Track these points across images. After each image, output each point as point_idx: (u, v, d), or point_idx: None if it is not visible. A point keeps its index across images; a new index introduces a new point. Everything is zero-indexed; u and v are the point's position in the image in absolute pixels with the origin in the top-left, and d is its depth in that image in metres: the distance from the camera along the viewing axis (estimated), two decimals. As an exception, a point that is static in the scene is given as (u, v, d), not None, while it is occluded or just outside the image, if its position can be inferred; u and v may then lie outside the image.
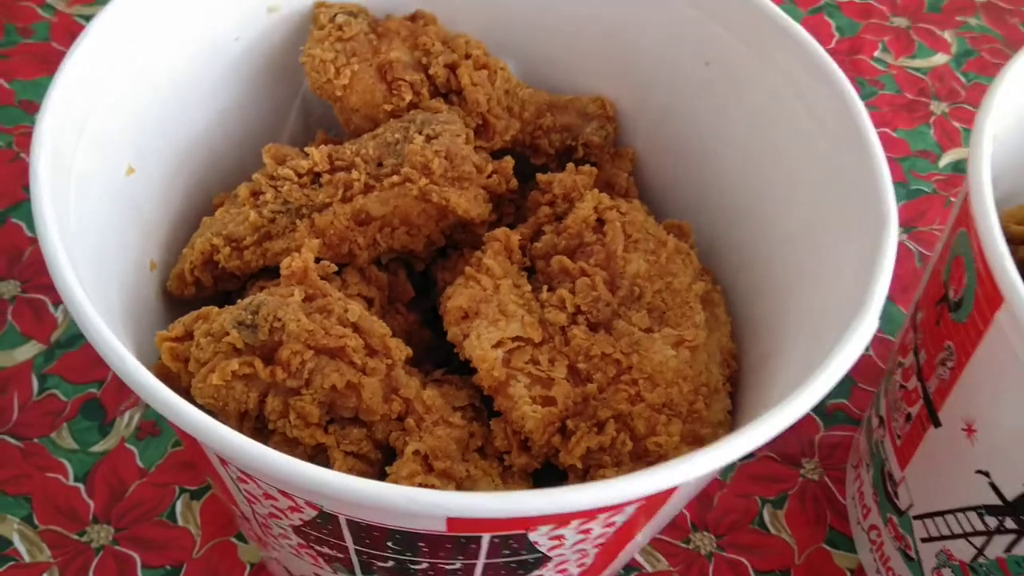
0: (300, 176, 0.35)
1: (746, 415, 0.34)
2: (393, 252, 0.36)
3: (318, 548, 0.30)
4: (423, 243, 0.36)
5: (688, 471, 0.25)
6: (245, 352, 0.30)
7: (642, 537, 0.34)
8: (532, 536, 0.27)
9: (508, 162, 0.37)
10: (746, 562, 0.43)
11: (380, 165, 0.35)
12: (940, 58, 0.63)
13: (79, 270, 0.28)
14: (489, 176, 0.36)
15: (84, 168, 0.32)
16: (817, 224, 0.35)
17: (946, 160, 0.58)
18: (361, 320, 0.32)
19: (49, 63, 0.56)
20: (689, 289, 0.35)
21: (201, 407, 0.26)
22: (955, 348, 0.33)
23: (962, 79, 0.62)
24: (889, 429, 0.39)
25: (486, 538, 0.27)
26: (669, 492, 0.27)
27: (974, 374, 0.32)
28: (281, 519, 0.29)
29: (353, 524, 0.27)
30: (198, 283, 0.36)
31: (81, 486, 0.42)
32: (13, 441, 0.43)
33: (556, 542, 0.28)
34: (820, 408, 0.48)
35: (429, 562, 0.29)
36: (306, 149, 0.36)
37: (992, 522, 0.33)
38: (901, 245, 0.54)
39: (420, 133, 0.35)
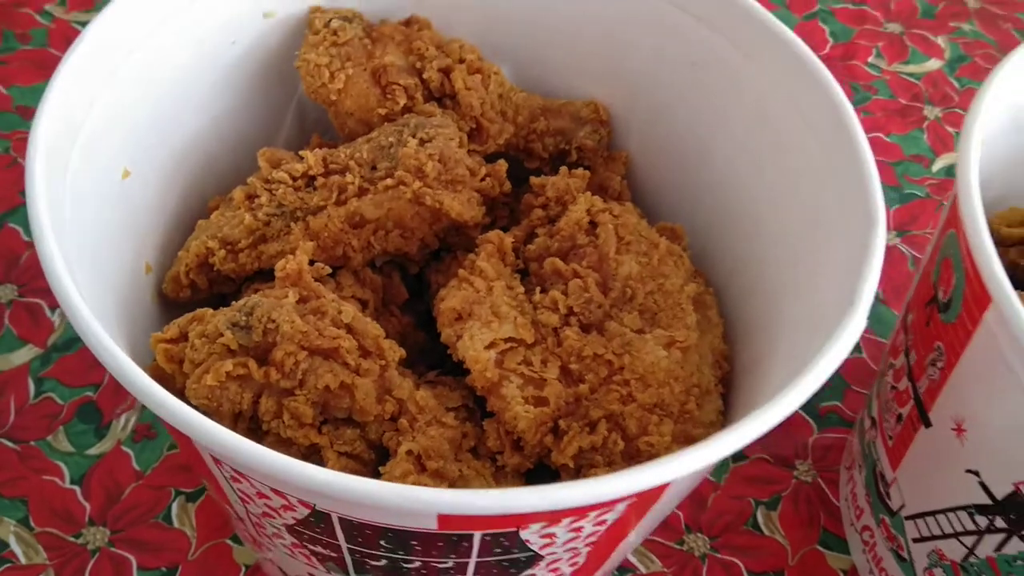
0: (295, 179, 0.35)
1: (738, 416, 0.34)
2: (387, 255, 0.37)
3: (311, 547, 0.30)
4: (417, 246, 0.37)
5: (678, 468, 0.25)
6: (239, 353, 0.31)
7: (635, 537, 0.34)
8: (523, 534, 0.27)
9: (501, 165, 0.38)
10: (740, 563, 0.43)
11: (374, 168, 0.35)
12: (934, 63, 0.63)
13: (75, 272, 0.29)
14: (482, 179, 0.37)
15: (80, 171, 0.32)
16: (807, 226, 0.35)
17: (939, 164, 0.58)
18: (355, 321, 0.32)
19: (47, 69, 0.56)
20: (681, 291, 0.35)
21: (196, 408, 0.26)
22: (944, 349, 0.33)
23: (955, 84, 0.62)
24: (881, 430, 0.39)
25: (477, 536, 0.27)
26: (660, 490, 0.28)
27: (963, 374, 0.32)
28: (274, 518, 0.29)
29: (345, 522, 0.27)
30: (193, 286, 0.36)
31: (77, 489, 0.42)
32: (9, 444, 0.43)
33: (548, 540, 0.28)
34: (813, 410, 0.48)
35: (421, 560, 0.29)
36: (301, 152, 0.36)
37: (982, 521, 0.34)
38: (894, 249, 0.54)
39: (414, 136, 0.36)
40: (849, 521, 0.43)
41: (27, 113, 0.55)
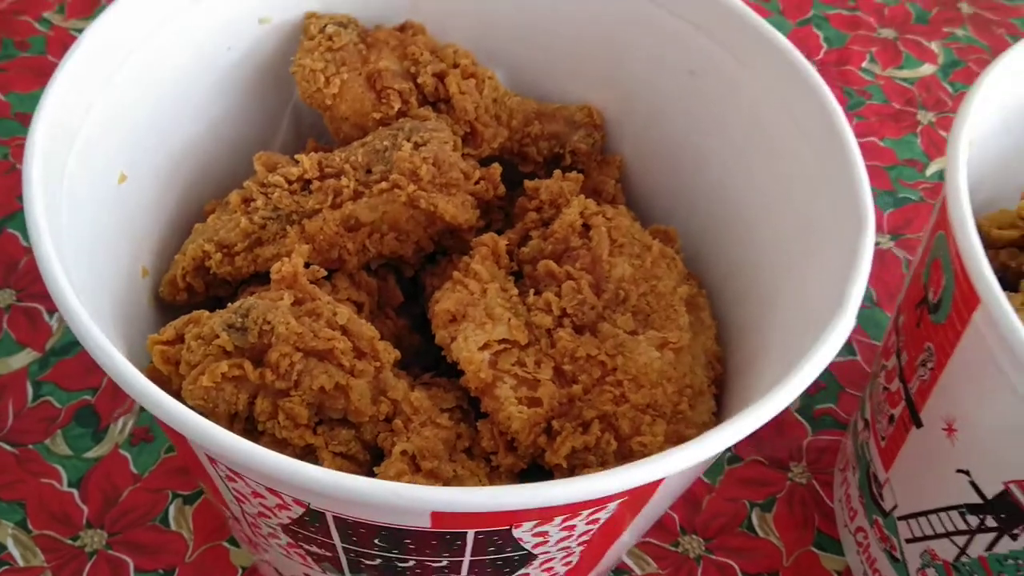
0: (290, 183, 0.36)
1: (731, 416, 0.34)
2: (382, 258, 0.37)
3: (307, 547, 0.31)
4: (412, 249, 0.37)
5: (668, 466, 0.25)
6: (235, 354, 0.31)
7: (628, 537, 0.34)
8: (516, 532, 0.28)
9: (495, 169, 0.38)
10: (735, 565, 0.43)
11: (369, 172, 0.36)
12: (927, 68, 0.64)
13: (72, 276, 0.29)
14: (477, 183, 0.37)
15: (76, 176, 0.32)
16: (801, 231, 0.35)
17: (933, 169, 0.58)
18: (350, 323, 0.32)
19: (45, 76, 0.56)
20: (673, 292, 0.35)
21: (192, 409, 0.27)
22: (935, 349, 0.33)
23: (949, 89, 0.62)
24: (874, 431, 0.39)
25: (471, 534, 0.27)
26: (652, 488, 0.28)
27: (953, 374, 0.32)
28: (270, 518, 0.29)
29: (340, 521, 0.27)
30: (190, 289, 0.37)
31: (75, 491, 0.42)
32: (8, 447, 0.43)
33: (541, 539, 0.28)
34: (808, 413, 0.48)
35: (416, 560, 0.29)
36: (296, 156, 0.36)
37: (973, 521, 0.34)
38: (888, 252, 0.54)
39: (408, 140, 0.36)
40: (843, 522, 0.44)
41: (25, 120, 0.55)
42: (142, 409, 0.45)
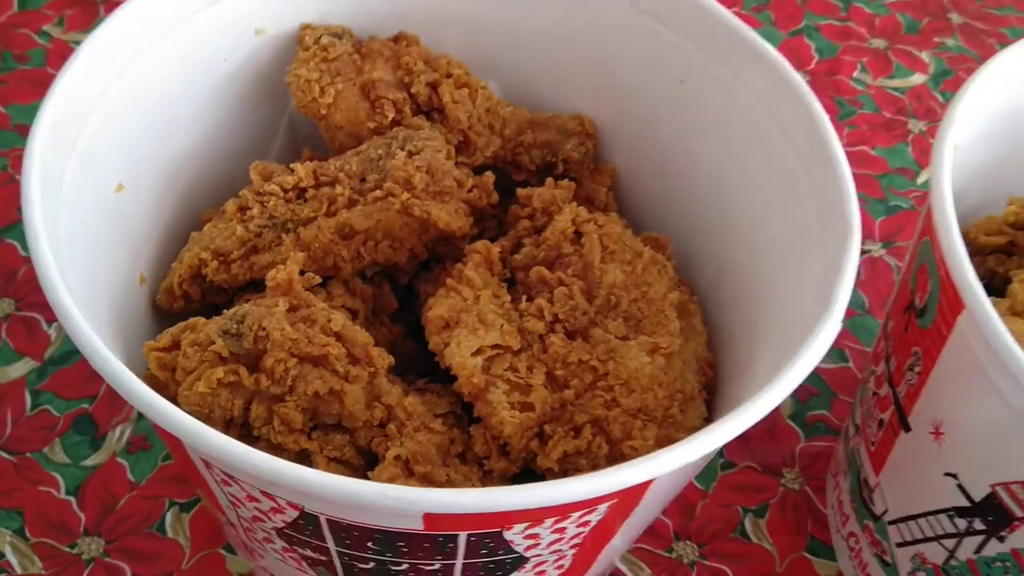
0: (286, 191, 0.36)
1: (721, 421, 0.35)
2: (377, 265, 0.37)
3: (301, 551, 0.31)
4: (406, 256, 0.37)
5: (655, 467, 0.25)
6: (230, 360, 0.31)
7: (620, 542, 0.34)
8: (508, 535, 0.28)
9: (488, 177, 0.38)
10: (728, 570, 0.43)
11: (363, 180, 0.36)
12: (918, 78, 0.64)
13: (70, 283, 0.29)
14: (470, 191, 0.37)
15: (74, 185, 0.33)
16: (788, 236, 0.36)
17: (924, 177, 0.59)
18: (344, 329, 0.33)
19: (45, 88, 0.56)
20: (664, 298, 0.36)
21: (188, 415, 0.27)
22: (922, 353, 0.34)
23: (939, 98, 0.63)
24: (864, 436, 0.39)
25: (463, 537, 0.28)
26: (641, 490, 0.28)
27: (940, 378, 0.33)
28: (265, 522, 0.30)
29: (334, 524, 0.28)
30: (187, 296, 0.37)
31: (73, 499, 0.43)
32: (6, 455, 0.44)
33: (532, 541, 0.29)
34: (801, 419, 0.48)
35: (409, 563, 0.29)
36: (291, 165, 0.37)
37: (962, 524, 0.34)
38: (880, 260, 0.55)
39: (402, 149, 0.36)
40: (836, 528, 0.44)
41: (25, 131, 0.55)
42: (139, 417, 0.45)
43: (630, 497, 0.28)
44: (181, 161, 0.39)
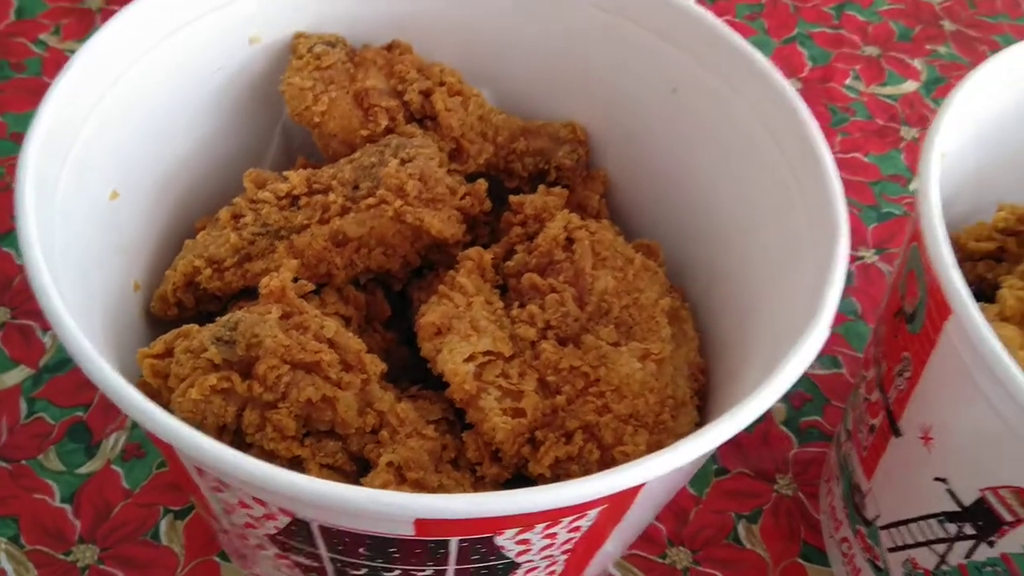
0: (279, 199, 0.36)
1: (713, 427, 0.35)
2: (370, 272, 0.37)
3: (294, 558, 0.31)
4: (399, 263, 0.37)
5: (645, 472, 0.26)
6: (223, 367, 0.31)
7: (612, 547, 0.34)
8: (499, 540, 0.28)
9: (481, 184, 0.39)
10: (721, 576, 0.44)
11: (356, 188, 0.36)
12: (910, 85, 0.65)
13: (63, 290, 0.29)
14: (462, 198, 0.38)
15: (69, 193, 0.33)
16: (779, 242, 0.36)
17: (916, 184, 0.59)
18: (337, 336, 0.33)
19: (40, 97, 0.57)
20: (656, 305, 0.36)
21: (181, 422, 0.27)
22: (911, 358, 0.34)
23: (932, 105, 0.63)
24: (855, 441, 0.40)
25: (454, 542, 0.28)
26: (631, 495, 0.28)
27: (928, 383, 0.33)
28: (257, 528, 0.30)
29: (326, 531, 0.28)
30: (180, 304, 0.37)
31: (67, 507, 0.43)
32: (1, 463, 0.44)
33: (523, 547, 0.29)
34: (794, 425, 0.49)
35: (401, 569, 0.30)
36: (285, 173, 0.37)
37: (952, 529, 0.34)
38: (873, 266, 0.55)
39: (395, 156, 0.37)
40: (829, 533, 0.44)
41: (21, 140, 0.55)
42: (134, 425, 0.45)
43: (621, 502, 0.29)
44: (175, 169, 0.39)
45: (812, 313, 0.30)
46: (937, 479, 0.34)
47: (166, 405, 0.32)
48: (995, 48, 0.67)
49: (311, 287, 0.35)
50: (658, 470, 0.26)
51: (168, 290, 0.37)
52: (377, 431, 0.32)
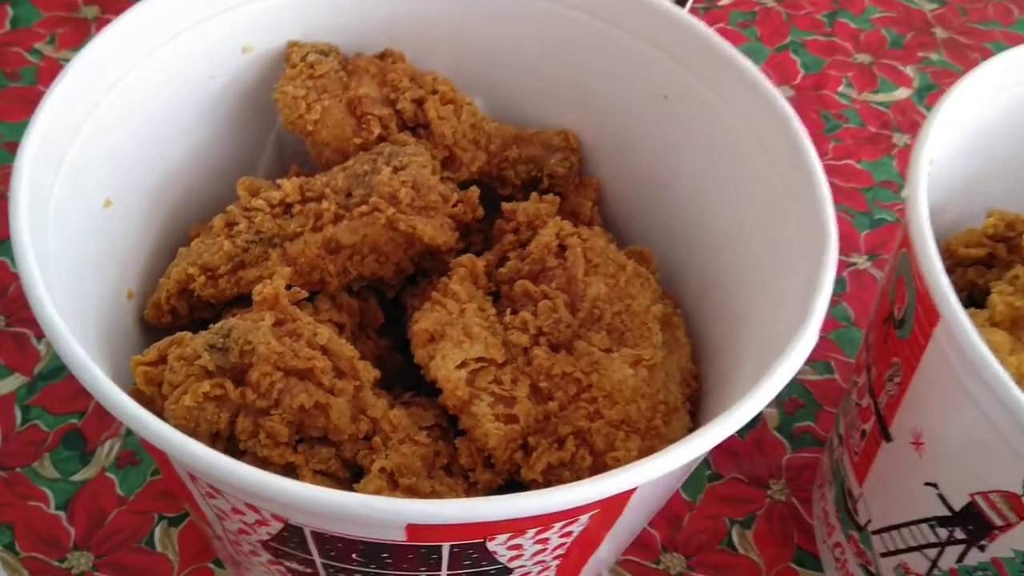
0: (272, 207, 0.37)
1: (704, 432, 0.35)
2: (363, 279, 0.38)
3: (287, 564, 0.31)
4: (392, 270, 0.38)
5: (636, 476, 0.26)
6: (216, 374, 0.31)
7: (606, 552, 0.34)
8: (491, 546, 0.28)
9: (473, 192, 0.39)
10: (715, 581, 0.44)
11: (349, 195, 0.37)
12: (902, 92, 0.65)
13: (57, 297, 0.29)
14: (455, 205, 0.38)
15: (63, 200, 0.33)
16: (769, 250, 0.36)
17: (906, 190, 0.59)
18: (330, 343, 0.33)
19: (36, 106, 0.57)
20: (647, 311, 0.36)
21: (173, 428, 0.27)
22: (901, 364, 0.34)
23: (924, 112, 0.64)
24: (847, 447, 0.40)
25: (446, 548, 0.28)
26: (623, 500, 0.29)
27: (918, 388, 0.33)
28: (250, 535, 0.30)
29: (318, 536, 0.28)
30: (174, 311, 0.37)
31: (62, 514, 0.43)
32: (-4, 471, 0.44)
33: (515, 552, 0.29)
34: (787, 431, 0.49)
35: (394, 574, 0.30)
36: (278, 181, 0.37)
37: (943, 533, 0.34)
38: (865, 272, 0.55)
39: (388, 164, 0.37)
40: (822, 538, 0.44)
41: (16, 149, 0.56)
42: (128, 432, 0.46)
43: (613, 507, 0.29)
44: (169, 177, 0.39)
45: (802, 319, 0.30)
46: (928, 484, 0.34)
47: (160, 412, 0.32)
48: (987, 55, 0.67)
49: (304, 294, 0.35)
50: (649, 475, 0.26)
51: (162, 297, 0.37)
52: (370, 437, 0.33)
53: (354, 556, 0.29)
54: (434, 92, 0.40)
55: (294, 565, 0.31)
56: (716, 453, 0.47)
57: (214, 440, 0.32)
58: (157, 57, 0.37)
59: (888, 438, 0.36)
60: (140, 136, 0.37)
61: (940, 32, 0.69)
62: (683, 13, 0.39)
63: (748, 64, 0.37)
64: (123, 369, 0.34)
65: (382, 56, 0.41)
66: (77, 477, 0.44)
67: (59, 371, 0.47)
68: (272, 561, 0.31)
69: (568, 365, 0.34)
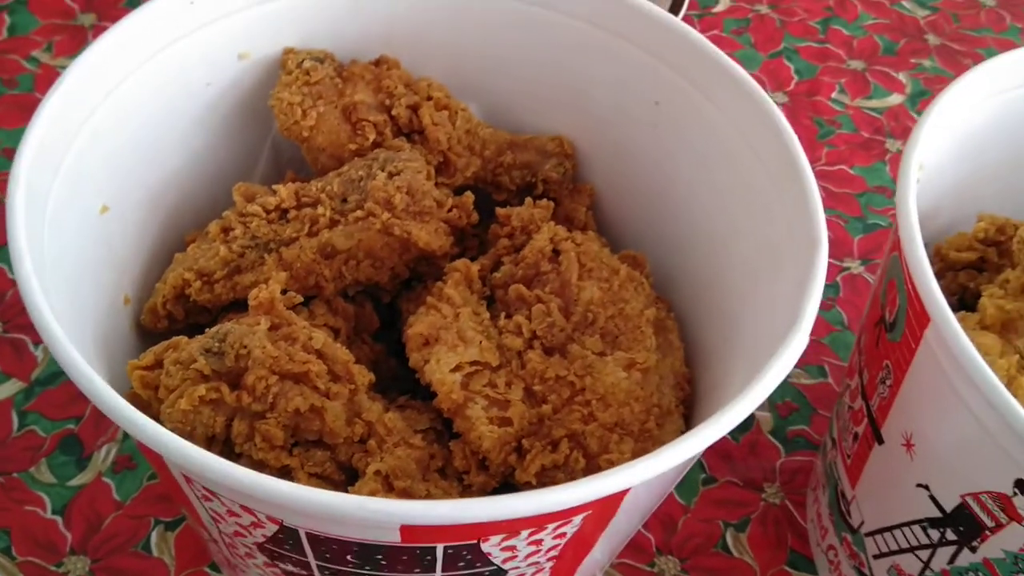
0: (268, 212, 0.37)
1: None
2: (359, 284, 0.38)
3: (282, 566, 0.31)
4: (387, 275, 0.38)
5: (629, 477, 0.26)
6: (212, 378, 0.32)
7: (600, 555, 0.35)
8: (485, 547, 0.28)
9: (468, 197, 0.39)
10: (709, 584, 0.44)
11: (345, 201, 0.37)
12: (895, 98, 0.65)
13: (53, 302, 0.30)
14: (450, 210, 0.38)
15: (59, 206, 0.33)
16: (761, 253, 0.37)
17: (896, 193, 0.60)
18: (325, 347, 0.33)
19: (32, 113, 0.58)
20: (641, 315, 0.36)
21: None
22: (892, 366, 0.34)
23: (917, 118, 0.64)
24: (840, 449, 0.40)
25: (440, 549, 0.28)
26: (616, 501, 0.29)
27: (909, 390, 0.33)
28: (246, 537, 0.30)
29: (313, 538, 0.28)
30: (170, 316, 0.37)
31: (59, 519, 0.43)
32: (-8, 476, 0.44)
33: (509, 554, 0.29)
34: (781, 434, 0.49)
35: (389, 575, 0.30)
36: (274, 187, 0.37)
37: (935, 534, 0.35)
38: (859, 277, 0.55)
39: (383, 170, 0.37)
40: (815, 541, 0.44)
41: (13, 155, 0.56)
42: (125, 437, 0.46)
43: (605, 508, 0.29)
44: (166, 183, 0.40)
45: (793, 320, 0.30)
46: (919, 485, 0.34)
47: (156, 416, 0.32)
48: (979, 61, 0.68)
49: (300, 299, 0.35)
50: (642, 475, 0.26)
51: (158, 302, 0.37)
52: (365, 440, 0.33)
53: (349, 558, 0.29)
54: (429, 98, 0.41)
55: (289, 567, 0.31)
56: (710, 456, 0.48)
57: (210, 444, 0.32)
58: (154, 63, 0.37)
59: (880, 440, 0.36)
60: (137, 142, 0.38)
61: (933, 39, 0.70)
62: (676, 20, 0.39)
63: (740, 71, 0.38)
64: (120, 374, 0.34)
65: (377, 63, 0.42)
66: (74, 482, 0.44)
67: (56, 377, 0.47)
68: (268, 564, 0.32)
69: (562, 368, 0.34)
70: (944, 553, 0.35)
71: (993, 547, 0.33)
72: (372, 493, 0.31)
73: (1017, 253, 0.37)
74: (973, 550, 0.33)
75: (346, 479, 0.33)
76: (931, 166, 0.37)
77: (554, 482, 0.33)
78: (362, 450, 0.33)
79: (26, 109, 0.58)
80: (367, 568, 0.29)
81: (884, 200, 0.59)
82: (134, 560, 0.42)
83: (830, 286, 0.55)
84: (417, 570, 0.29)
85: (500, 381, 0.34)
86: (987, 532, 0.33)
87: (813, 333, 0.30)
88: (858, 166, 0.61)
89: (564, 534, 0.29)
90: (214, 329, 0.33)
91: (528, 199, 0.40)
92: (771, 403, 0.50)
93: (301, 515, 0.27)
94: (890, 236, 0.37)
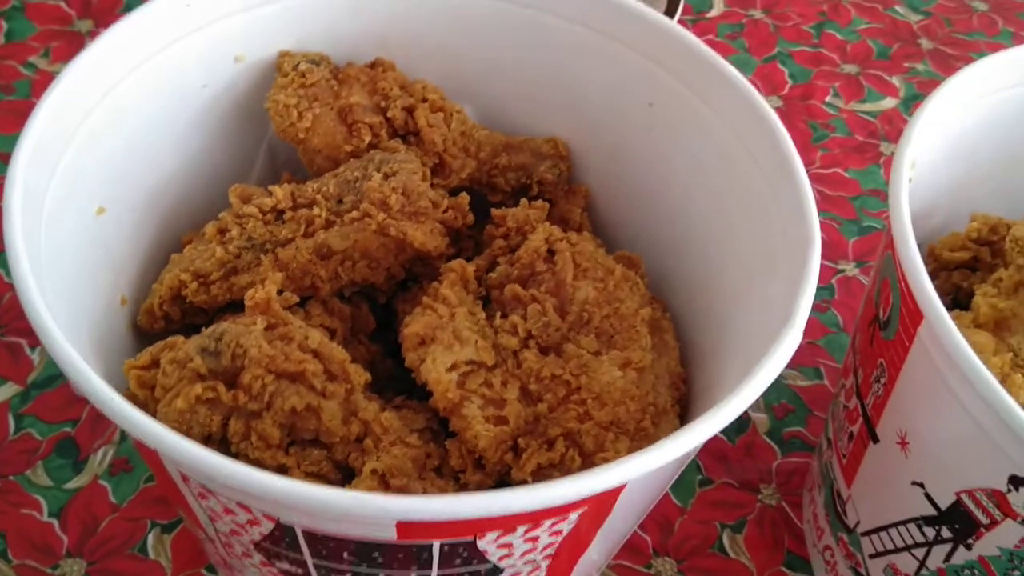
0: (264, 213, 0.37)
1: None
2: (355, 285, 0.38)
3: (279, 565, 0.31)
4: (383, 276, 0.38)
5: (623, 473, 0.26)
6: (208, 377, 0.32)
7: (597, 554, 0.35)
8: (481, 544, 0.28)
9: (463, 198, 0.39)
10: (706, 585, 0.44)
11: (340, 202, 0.37)
12: (889, 102, 0.66)
13: (50, 303, 0.30)
14: (445, 211, 0.38)
15: (56, 207, 0.34)
16: (755, 254, 0.37)
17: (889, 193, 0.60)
18: (321, 347, 0.33)
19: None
20: (636, 314, 0.36)
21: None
22: (886, 365, 0.34)
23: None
24: (836, 449, 0.40)
25: (437, 546, 0.28)
26: (612, 497, 0.29)
27: (903, 388, 0.34)
28: (242, 535, 0.30)
29: (310, 535, 0.28)
30: (167, 317, 0.38)
31: (55, 521, 0.43)
32: (-11, 479, 0.44)
33: (505, 551, 0.29)
34: (777, 436, 0.49)
35: (386, 573, 0.30)
36: (270, 188, 0.37)
37: (930, 533, 0.35)
38: (854, 279, 0.56)
39: (378, 171, 0.37)
40: (812, 542, 0.45)
41: (9, 160, 0.56)
42: (121, 440, 0.46)
43: (601, 505, 0.29)
44: (162, 185, 0.40)
45: (787, 318, 0.31)
46: (914, 483, 0.34)
47: (153, 416, 0.32)
48: (972, 65, 0.68)
49: (296, 299, 0.35)
50: (638, 470, 0.26)
51: (155, 303, 0.37)
52: (361, 440, 0.33)
53: (345, 555, 0.29)
54: (424, 100, 0.41)
55: (286, 566, 0.31)
56: (707, 458, 0.48)
57: (207, 443, 0.32)
58: (150, 65, 0.38)
59: (875, 439, 0.36)
60: (133, 144, 0.38)
61: (926, 43, 0.70)
62: (672, 23, 0.40)
63: (735, 73, 0.38)
64: (116, 374, 0.34)
65: (372, 65, 0.42)
66: (70, 485, 0.44)
67: (52, 380, 0.47)
68: (264, 563, 0.32)
69: (557, 367, 0.34)
70: (940, 551, 0.35)
71: (988, 544, 0.33)
72: (369, 491, 0.31)
73: (1010, 252, 0.37)
74: (968, 548, 0.34)
75: (343, 478, 0.33)
76: (924, 165, 0.38)
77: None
78: (358, 449, 0.33)
79: (23, 115, 0.58)
80: (364, 566, 0.30)
81: (878, 203, 0.60)
82: (131, 562, 0.42)
83: (825, 288, 0.55)
84: (413, 567, 0.29)
85: (496, 380, 0.34)
86: (982, 529, 0.33)
87: (808, 335, 0.31)
88: (852, 169, 0.61)
89: (560, 531, 0.29)
90: (210, 329, 0.33)
91: (523, 200, 0.40)
92: (767, 405, 0.50)
93: (297, 511, 0.27)
94: (883, 236, 0.37)
